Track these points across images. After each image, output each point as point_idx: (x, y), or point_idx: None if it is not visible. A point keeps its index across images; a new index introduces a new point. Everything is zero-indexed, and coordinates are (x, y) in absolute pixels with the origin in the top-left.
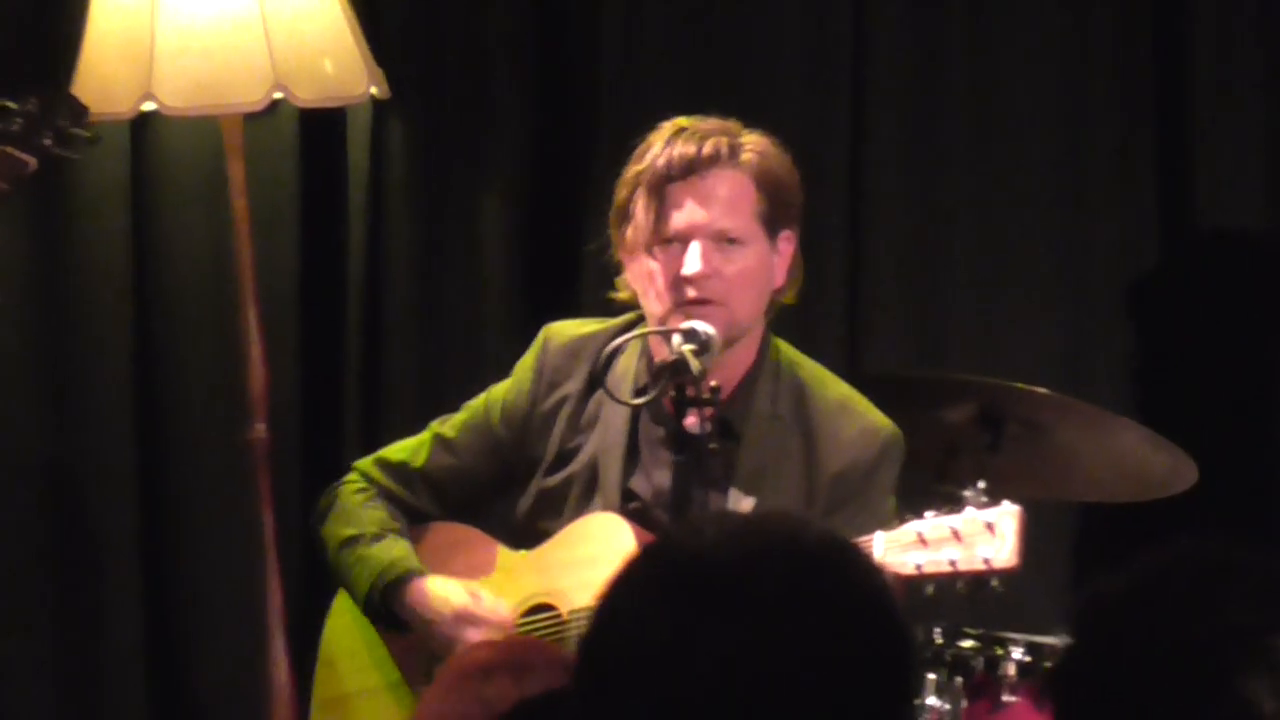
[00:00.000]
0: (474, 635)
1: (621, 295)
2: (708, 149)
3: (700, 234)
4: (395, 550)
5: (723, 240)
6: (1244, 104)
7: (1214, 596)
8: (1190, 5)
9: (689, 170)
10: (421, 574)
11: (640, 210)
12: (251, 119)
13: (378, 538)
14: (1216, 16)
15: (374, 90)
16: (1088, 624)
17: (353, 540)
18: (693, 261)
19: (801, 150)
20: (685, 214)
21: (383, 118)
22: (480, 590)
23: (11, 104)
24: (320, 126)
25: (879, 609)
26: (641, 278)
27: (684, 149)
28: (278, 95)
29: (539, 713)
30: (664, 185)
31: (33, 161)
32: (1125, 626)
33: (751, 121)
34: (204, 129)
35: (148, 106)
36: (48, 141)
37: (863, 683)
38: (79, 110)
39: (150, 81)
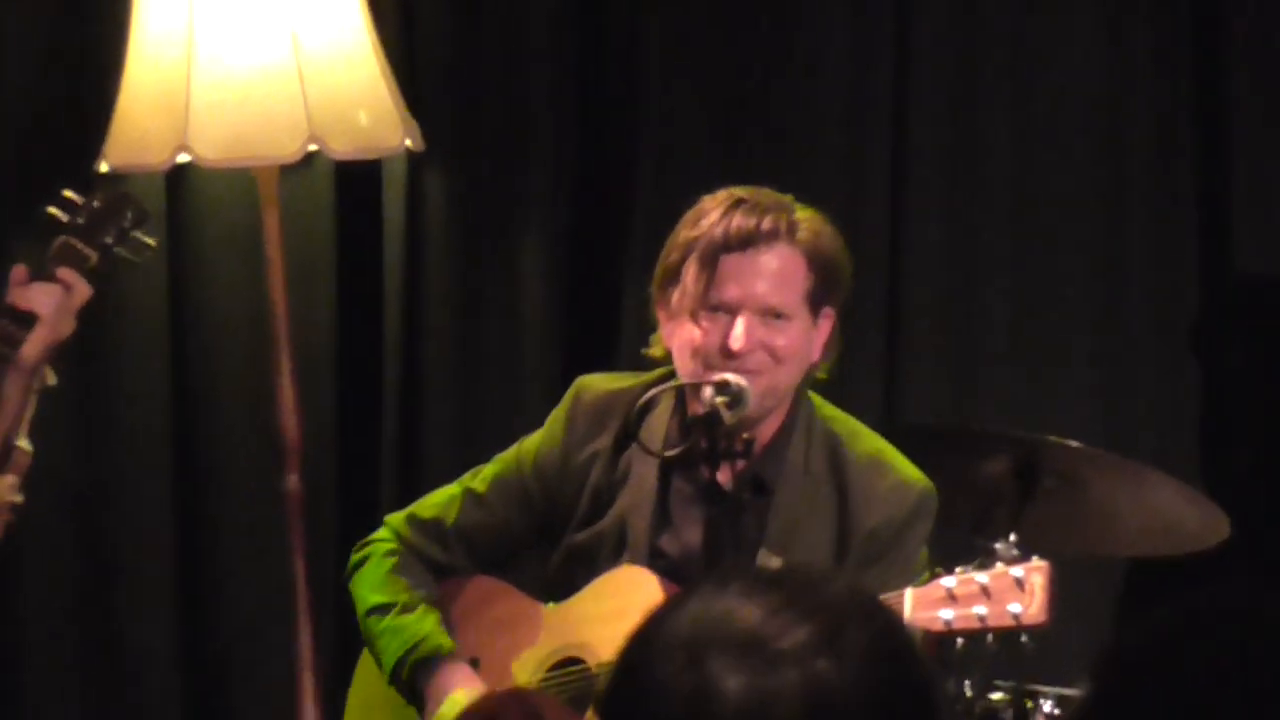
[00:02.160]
0: None
1: (656, 351)
2: (767, 224)
3: (748, 307)
4: (425, 625)
5: (769, 315)
6: None
7: (1234, 646)
8: (1229, 46)
9: (746, 243)
10: (450, 657)
11: (691, 276)
12: (287, 171)
13: (408, 608)
14: (1257, 54)
15: (409, 142)
16: (1106, 674)
17: (383, 608)
18: (738, 335)
19: (839, 202)
20: (736, 286)
21: (418, 170)
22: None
23: (77, 198)
24: (355, 179)
25: (904, 664)
26: (683, 341)
27: (742, 221)
28: (313, 147)
29: None
30: (718, 254)
31: (94, 256)
32: (1144, 677)
33: (790, 181)
34: (239, 181)
35: (183, 159)
36: (109, 239)
37: None
38: (141, 214)
39: (186, 134)
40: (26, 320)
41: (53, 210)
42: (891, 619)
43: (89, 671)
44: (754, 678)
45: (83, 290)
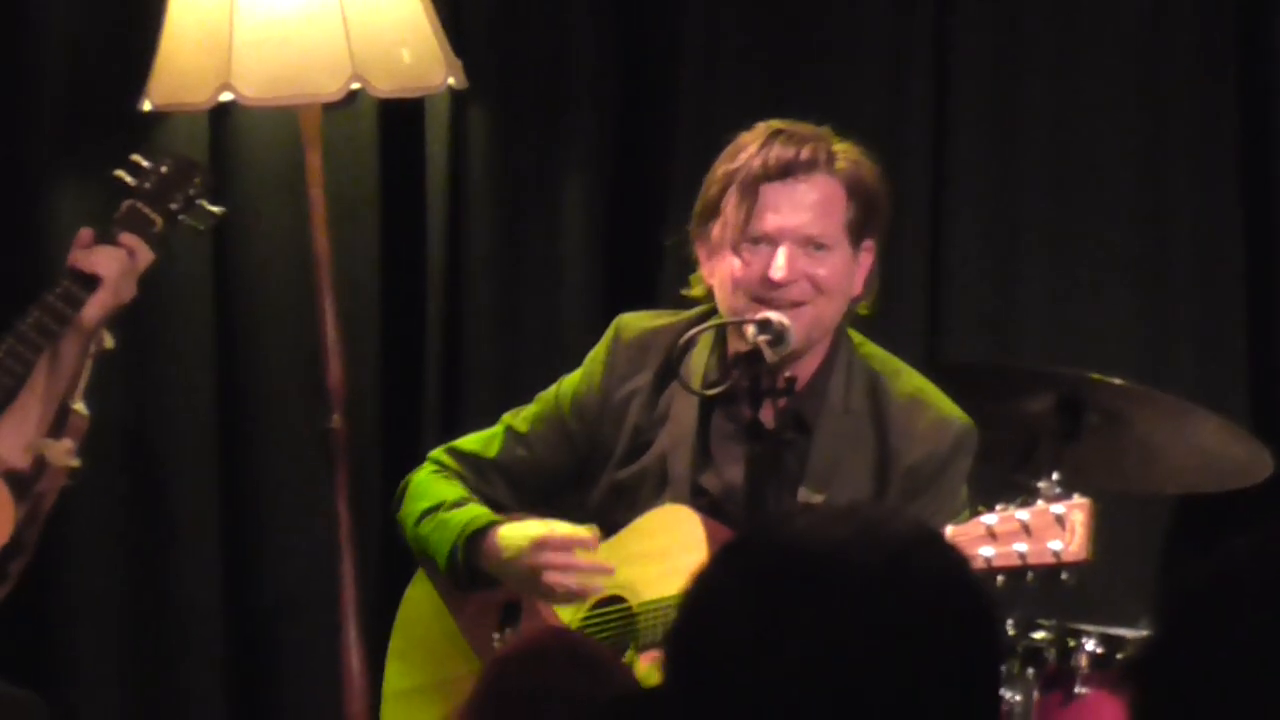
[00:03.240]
0: (554, 559)
1: (695, 291)
2: (805, 154)
3: (789, 237)
4: (474, 510)
5: (810, 245)
6: None
7: None
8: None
9: (785, 173)
10: (496, 523)
11: (731, 208)
12: (330, 109)
13: (457, 504)
14: None
15: (452, 81)
16: (1172, 615)
17: (431, 510)
18: (780, 265)
19: (881, 143)
20: (777, 216)
21: (461, 108)
22: (558, 523)
23: (145, 162)
24: (399, 117)
25: (969, 597)
26: (724, 275)
27: (781, 151)
28: (356, 86)
29: (629, 710)
30: (758, 185)
31: (159, 221)
32: (1210, 617)
33: (830, 118)
34: (282, 120)
35: (225, 97)
36: (174, 206)
37: (954, 669)
38: (210, 183)
39: (229, 72)
40: (89, 283)
41: (120, 174)
42: (955, 552)
43: (135, 611)
44: (823, 609)
45: (145, 255)
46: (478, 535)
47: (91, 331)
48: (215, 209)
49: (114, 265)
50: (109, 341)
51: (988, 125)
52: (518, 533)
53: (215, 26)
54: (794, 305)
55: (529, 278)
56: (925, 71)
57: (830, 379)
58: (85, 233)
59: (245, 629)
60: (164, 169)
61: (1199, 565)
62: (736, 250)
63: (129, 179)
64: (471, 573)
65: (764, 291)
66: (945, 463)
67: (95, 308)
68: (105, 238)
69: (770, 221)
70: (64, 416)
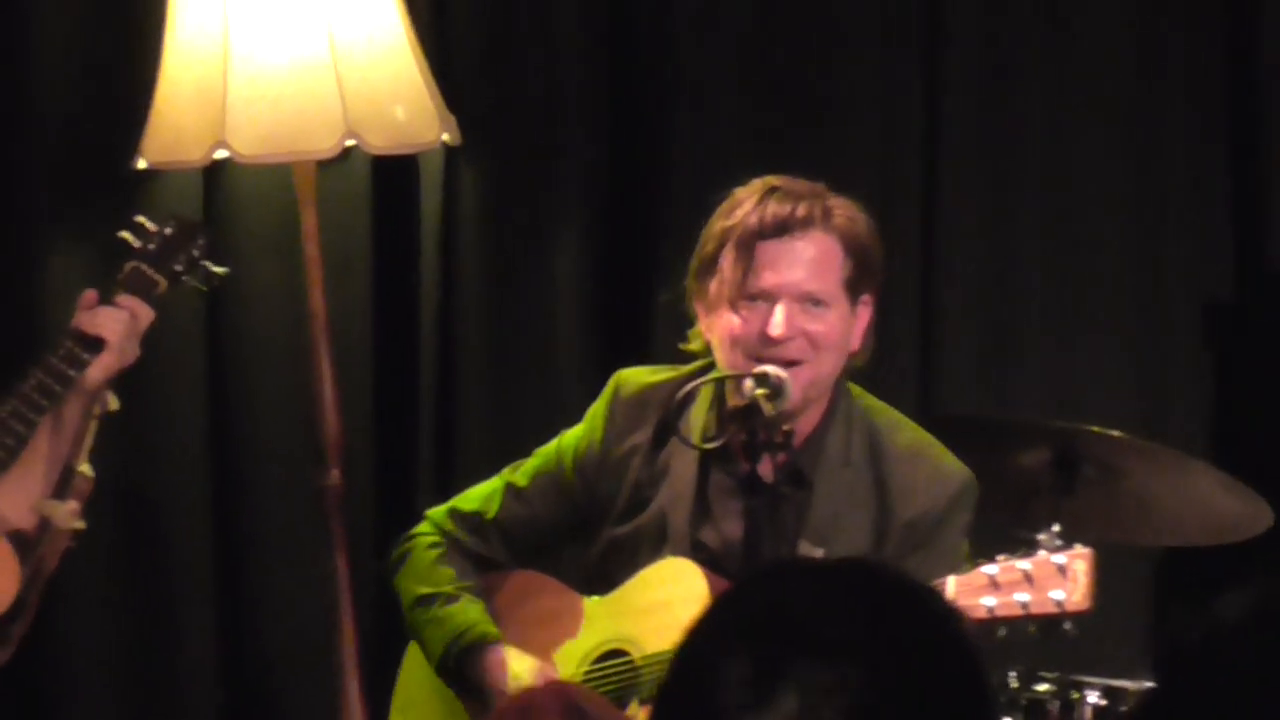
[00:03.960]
0: None
1: (693, 345)
2: (801, 211)
3: (787, 294)
4: (471, 613)
5: (807, 301)
6: None
7: None
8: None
9: (781, 230)
10: (497, 641)
11: (728, 265)
12: (324, 166)
13: (453, 598)
14: None
15: (446, 137)
16: (1169, 668)
17: (428, 599)
18: (778, 322)
19: (874, 196)
20: (774, 273)
21: (455, 164)
22: (551, 670)
23: (149, 224)
24: (392, 173)
25: (959, 651)
26: (722, 331)
27: (777, 208)
28: (350, 142)
29: None
30: (754, 243)
31: (163, 282)
32: (1206, 672)
33: (823, 171)
34: (276, 176)
35: (220, 154)
36: (178, 267)
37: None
38: (213, 244)
39: (223, 129)
40: (93, 345)
41: (125, 235)
42: (945, 606)
43: (131, 669)
44: (811, 665)
45: (147, 316)
46: (473, 647)
47: (95, 393)
48: (219, 269)
49: (118, 327)
50: (113, 403)
51: (980, 178)
52: (514, 670)
53: (209, 84)
54: (791, 363)
55: (522, 332)
56: (917, 123)
57: (829, 433)
58: (89, 294)
59: (243, 685)
60: (167, 230)
61: (1196, 619)
62: (734, 307)
63: (133, 240)
64: (462, 680)
65: (762, 349)
66: (945, 516)
67: (99, 369)
68: (107, 299)
69: (767, 279)
70: (69, 478)
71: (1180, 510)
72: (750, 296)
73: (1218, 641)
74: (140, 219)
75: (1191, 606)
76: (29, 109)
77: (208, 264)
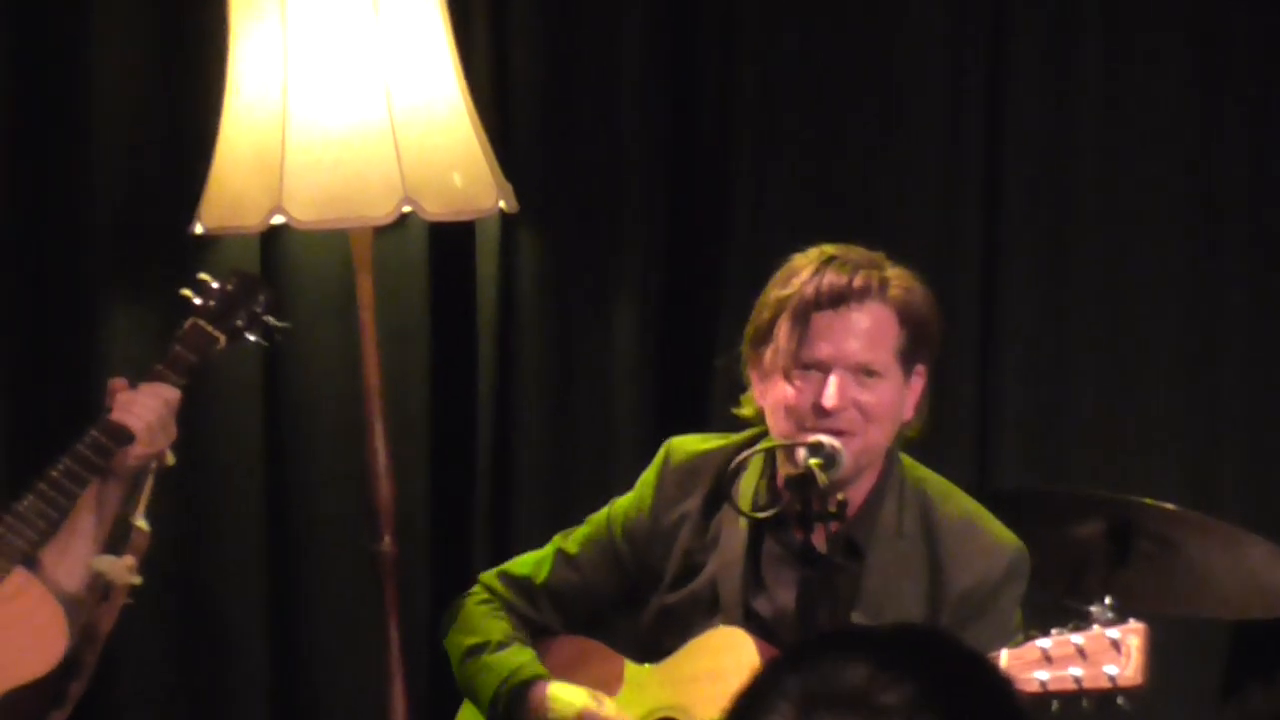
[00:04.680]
0: None
1: (746, 411)
2: (859, 282)
3: (841, 365)
4: (521, 657)
5: (861, 372)
6: None
7: None
8: None
9: (838, 301)
10: (547, 679)
11: (783, 335)
12: (381, 232)
13: (503, 645)
14: None
15: (503, 204)
16: None
17: (478, 649)
18: (831, 394)
19: (932, 267)
20: (829, 344)
21: (511, 231)
22: (603, 696)
23: (211, 281)
24: (449, 240)
25: (1012, 717)
26: (775, 400)
27: (834, 279)
28: (407, 209)
29: None
30: (810, 313)
31: (222, 339)
32: None
33: (882, 241)
34: (333, 242)
35: (277, 220)
36: (239, 323)
37: None
38: (276, 299)
39: (280, 195)
40: (121, 435)
41: (186, 292)
42: (999, 677)
43: None
44: None
45: (175, 397)
46: (524, 686)
47: (128, 478)
48: (280, 324)
49: (148, 416)
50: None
51: (1038, 251)
52: (564, 699)
53: (267, 149)
54: (842, 434)
55: (580, 400)
56: (976, 196)
57: (883, 503)
58: (118, 383)
59: None
60: (229, 286)
61: (1266, 694)
62: (788, 376)
63: (194, 297)
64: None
65: (815, 420)
66: (998, 588)
67: (132, 460)
68: (165, 358)
69: (822, 349)
70: (126, 532)
71: (1235, 583)
72: (804, 366)
73: None
74: (203, 275)
75: (1261, 682)
76: (90, 173)
77: (269, 319)
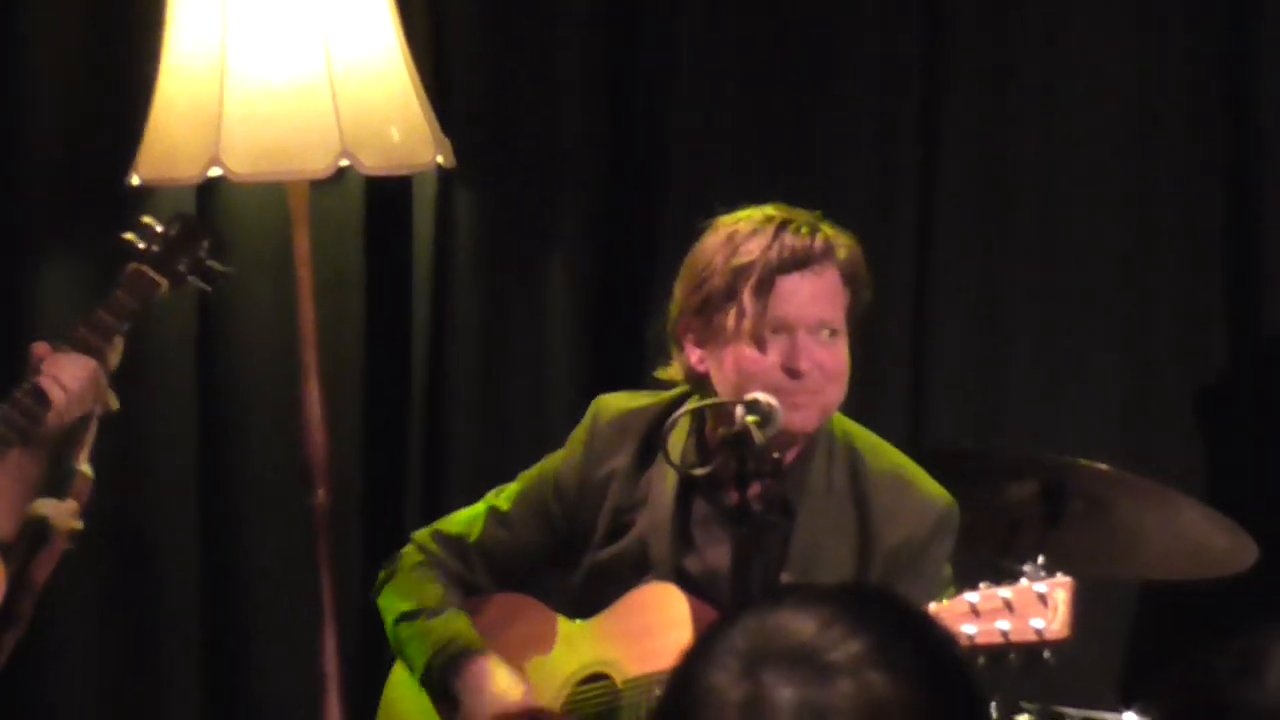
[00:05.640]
0: None
1: (671, 374)
2: (819, 244)
3: (806, 326)
4: (455, 625)
5: (824, 332)
6: None
7: None
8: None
9: (801, 263)
10: (481, 652)
11: (748, 300)
12: (318, 186)
13: (436, 612)
14: None
15: (440, 159)
16: (1183, 698)
17: (412, 614)
18: (803, 354)
19: (867, 224)
20: (795, 306)
21: (449, 187)
22: (534, 694)
23: (154, 224)
24: (386, 195)
25: (955, 678)
26: (738, 365)
27: (794, 242)
28: (344, 163)
29: None
30: (775, 277)
31: (165, 284)
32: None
33: (818, 198)
34: (270, 196)
35: (214, 173)
36: (182, 268)
37: None
38: (219, 243)
39: (217, 148)
40: (42, 402)
41: (129, 236)
42: (943, 633)
43: (116, 683)
44: (807, 689)
45: (113, 359)
46: (458, 658)
47: (50, 441)
48: (223, 269)
49: (71, 384)
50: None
51: (974, 208)
52: (500, 682)
53: (205, 101)
54: (811, 394)
55: (514, 355)
56: (912, 151)
57: (813, 460)
58: (40, 348)
59: (228, 706)
60: (172, 231)
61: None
62: (756, 341)
63: (136, 241)
64: (445, 692)
65: (784, 382)
66: (927, 543)
67: (52, 426)
68: (108, 299)
69: (789, 312)
70: (68, 478)
71: (1166, 544)
72: (772, 330)
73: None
74: (146, 219)
75: (1169, 640)
76: (24, 125)
77: (213, 264)
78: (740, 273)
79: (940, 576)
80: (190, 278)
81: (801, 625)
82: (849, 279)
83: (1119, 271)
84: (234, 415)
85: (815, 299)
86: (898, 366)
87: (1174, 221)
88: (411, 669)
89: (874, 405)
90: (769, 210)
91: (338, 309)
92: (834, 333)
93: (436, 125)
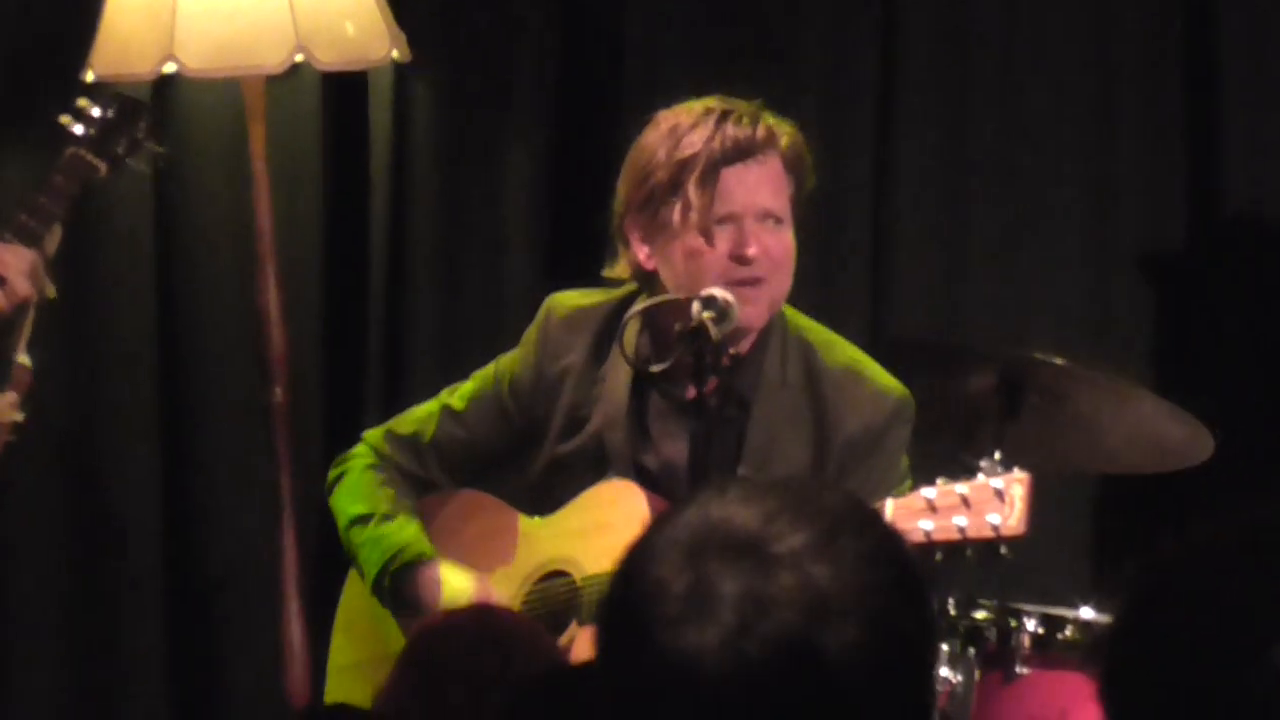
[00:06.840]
0: None
1: (618, 272)
2: (761, 133)
3: (752, 215)
4: (407, 532)
5: (770, 221)
6: (1275, 81)
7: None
8: None
9: (745, 154)
10: (433, 559)
11: (693, 193)
12: (273, 82)
13: (388, 517)
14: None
15: (395, 53)
16: (1139, 591)
17: (363, 519)
18: (751, 241)
19: (825, 117)
20: (741, 195)
21: (404, 81)
22: (490, 589)
23: (90, 107)
24: (342, 89)
25: (899, 570)
26: (687, 256)
27: (737, 132)
28: (299, 58)
29: (564, 683)
30: (720, 168)
31: (103, 167)
32: (1176, 595)
33: (777, 87)
34: (225, 91)
35: (169, 68)
36: (120, 150)
37: (886, 638)
38: (156, 123)
39: (172, 43)
40: None
41: (65, 119)
42: (887, 527)
43: (75, 585)
44: (751, 580)
45: (52, 246)
46: (409, 567)
47: None
48: (161, 148)
49: (15, 271)
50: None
51: (935, 98)
52: (453, 586)
53: None
54: (760, 281)
55: (472, 250)
56: (871, 43)
57: (766, 354)
58: None
59: (187, 603)
60: (109, 113)
61: (1169, 543)
62: (702, 233)
63: (72, 125)
64: (398, 599)
65: (733, 271)
66: (882, 434)
67: None
68: (46, 186)
69: (736, 201)
70: (6, 369)
71: (1123, 437)
72: (718, 220)
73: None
74: (83, 101)
75: (1127, 534)
76: None
77: (151, 145)
78: (684, 165)
79: (896, 467)
80: (129, 160)
81: (745, 518)
82: (792, 167)
83: (1082, 165)
84: (191, 312)
85: (760, 188)
86: (855, 259)
87: (1135, 116)
88: (363, 577)
89: (832, 297)
90: (709, 102)
91: (295, 205)
92: (779, 221)
93: (391, 19)
